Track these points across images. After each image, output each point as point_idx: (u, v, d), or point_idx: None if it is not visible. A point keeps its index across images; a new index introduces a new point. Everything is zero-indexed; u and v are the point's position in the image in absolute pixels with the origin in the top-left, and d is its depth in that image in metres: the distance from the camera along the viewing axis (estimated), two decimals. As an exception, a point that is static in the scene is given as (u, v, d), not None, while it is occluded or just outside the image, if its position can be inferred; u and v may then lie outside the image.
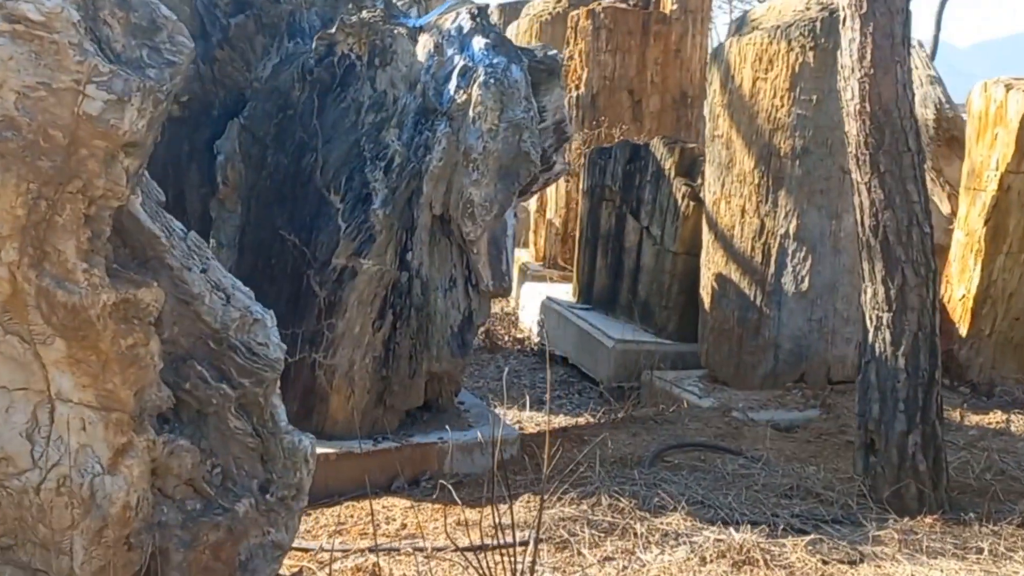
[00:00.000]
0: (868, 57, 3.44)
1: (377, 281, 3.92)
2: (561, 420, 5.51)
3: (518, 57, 4.07)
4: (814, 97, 4.78)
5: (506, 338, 7.33)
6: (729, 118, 5.06)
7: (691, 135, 7.85)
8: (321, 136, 3.94)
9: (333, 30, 3.95)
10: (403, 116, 3.98)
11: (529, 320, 7.43)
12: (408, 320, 4.01)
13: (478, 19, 4.07)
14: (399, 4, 6.23)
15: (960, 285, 5.54)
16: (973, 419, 4.61)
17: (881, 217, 3.56)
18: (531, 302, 7.38)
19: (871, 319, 3.67)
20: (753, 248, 5.04)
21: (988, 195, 5.32)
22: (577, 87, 8.08)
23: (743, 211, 5.06)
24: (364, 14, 4.13)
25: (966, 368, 5.40)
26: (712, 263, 5.30)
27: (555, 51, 4.75)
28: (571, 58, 8.20)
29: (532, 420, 5.50)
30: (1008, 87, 5.26)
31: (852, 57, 3.49)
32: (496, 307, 8.31)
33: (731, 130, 5.06)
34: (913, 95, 3.50)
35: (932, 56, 19.08)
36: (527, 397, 5.72)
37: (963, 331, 5.45)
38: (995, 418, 4.57)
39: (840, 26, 3.52)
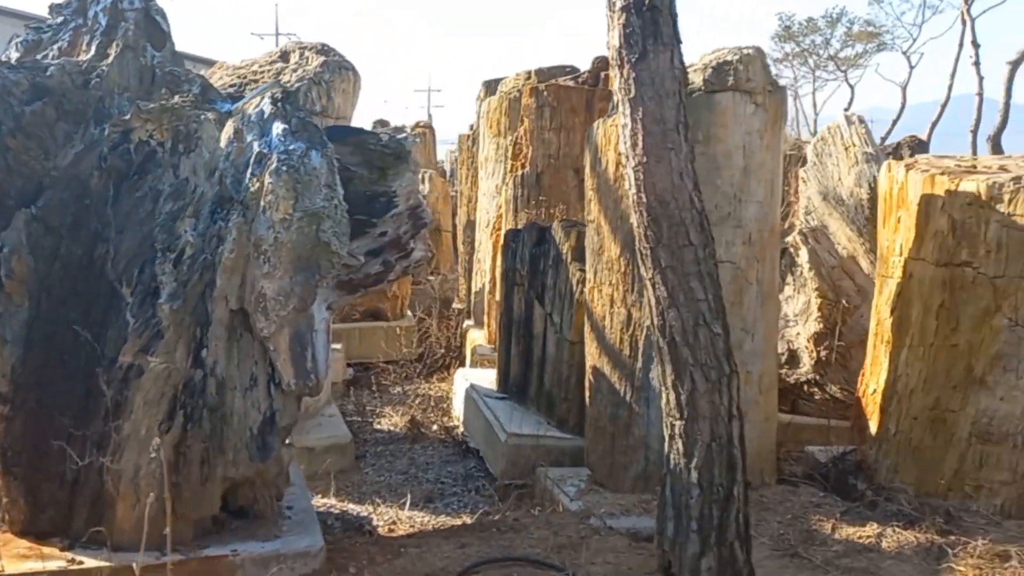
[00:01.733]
0: (640, 144, 3.18)
1: (164, 380, 3.72)
2: (440, 520, 5.21)
3: (321, 143, 3.89)
4: (675, 181, 4.48)
5: (434, 427, 7.06)
6: (598, 203, 4.80)
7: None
8: (114, 226, 3.80)
9: (128, 116, 3.84)
10: (200, 205, 3.82)
11: (460, 407, 7.16)
12: (200, 422, 3.79)
13: (280, 103, 3.92)
14: (314, 83, 6.17)
15: (872, 379, 5.12)
16: (848, 531, 4.17)
17: (666, 316, 3.25)
18: (462, 388, 7.12)
19: (667, 427, 3.34)
20: (622, 340, 4.72)
21: (894, 283, 4.92)
22: (523, 166, 7.90)
23: (612, 300, 4.76)
24: (176, 99, 4.02)
25: (875, 470, 4.95)
26: (590, 355, 5.00)
27: (404, 134, 4.59)
28: (519, 136, 8.04)
29: (411, 520, 5.21)
30: (908, 167, 4.90)
31: (626, 144, 3.23)
32: (432, 391, 8.07)
33: (600, 215, 4.79)
34: (695, 184, 3.20)
35: (1003, 123, 18.48)
36: (410, 496, 5.42)
37: (873, 429, 5.02)
38: (869, 531, 4.12)
39: (615, 110, 3.27)
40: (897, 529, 4.11)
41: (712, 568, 3.19)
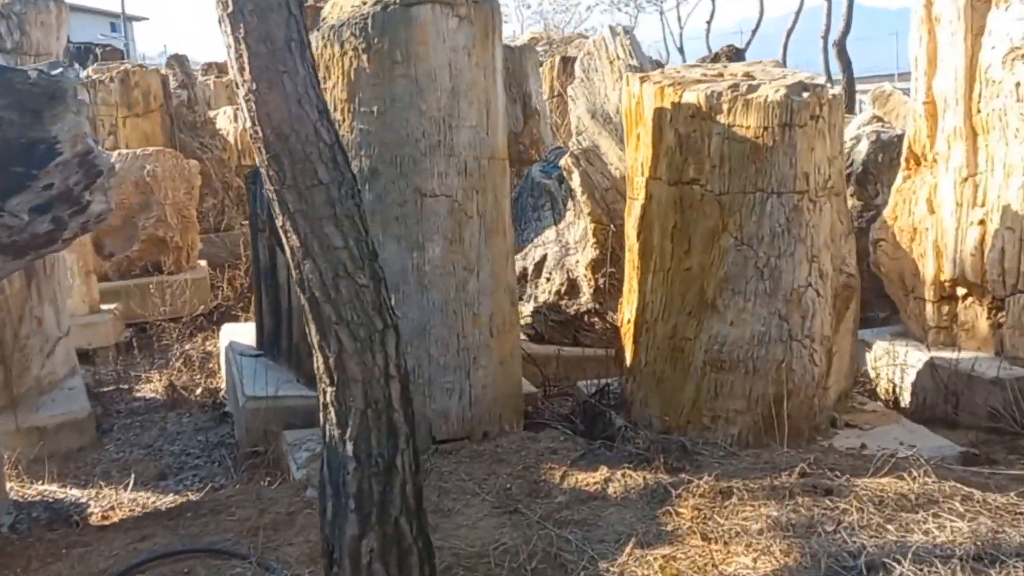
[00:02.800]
0: (247, 68, 2.67)
1: None
2: (167, 500, 4.71)
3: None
4: (375, 108, 4.02)
5: (199, 390, 6.50)
6: (302, 137, 4.28)
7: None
8: None
9: None
10: None
11: (224, 367, 6.62)
12: None
13: None
14: (1, 16, 5.39)
15: (627, 307, 4.83)
16: (577, 479, 3.87)
17: (303, 268, 2.80)
18: (224, 346, 6.57)
19: (320, 395, 2.91)
20: (338, 289, 4.26)
21: (638, 205, 4.60)
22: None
23: (325, 245, 4.29)
24: None
25: (631, 405, 4.69)
26: (314, 306, 4.53)
27: (62, 67, 3.96)
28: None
29: (133, 503, 4.68)
30: (643, 80, 4.54)
31: (234, 68, 2.72)
32: (196, 350, 7.49)
33: (305, 151, 4.28)
34: (321, 112, 2.73)
35: (847, 27, 18.51)
36: (134, 476, 4.89)
37: (628, 361, 4.74)
38: (598, 477, 3.84)
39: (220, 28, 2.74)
40: (627, 472, 3.83)
41: (374, 550, 2.81)
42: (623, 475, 3.81)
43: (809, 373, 4.07)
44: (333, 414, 2.84)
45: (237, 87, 2.72)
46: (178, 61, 13.68)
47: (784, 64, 22.76)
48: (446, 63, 4.01)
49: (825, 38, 20.85)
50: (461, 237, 4.12)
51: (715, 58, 14.00)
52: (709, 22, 36.87)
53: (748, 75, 4.62)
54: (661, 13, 39.96)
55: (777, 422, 3.99)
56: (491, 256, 4.22)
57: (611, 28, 6.28)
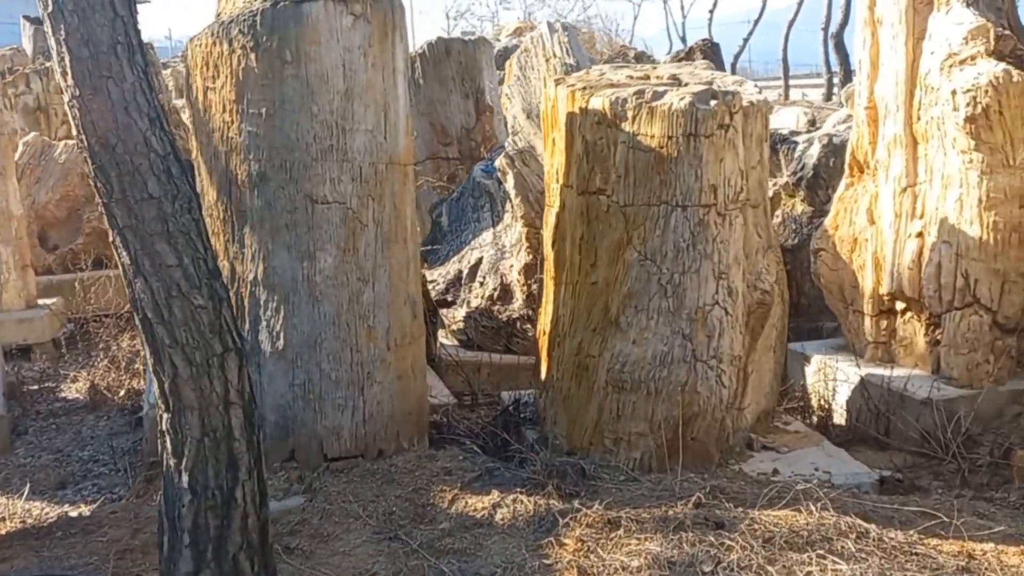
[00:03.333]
0: (70, 73, 2.49)
1: None
2: (59, 511, 4.53)
3: None
4: (264, 110, 3.82)
5: (122, 391, 6.30)
6: (194, 138, 4.10)
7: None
8: None
9: None
10: None
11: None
12: None
13: None
14: None
15: (544, 319, 4.66)
16: (466, 503, 3.69)
17: (135, 287, 2.62)
18: (152, 347, 6.37)
19: (159, 421, 2.74)
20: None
21: (554, 213, 4.43)
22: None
23: (216, 252, 4.10)
24: None
25: (543, 421, 4.51)
26: (211, 314, 4.34)
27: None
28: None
29: (26, 515, 4.49)
30: (558, 82, 4.36)
31: (59, 72, 2.54)
32: (125, 349, 7.28)
33: (198, 153, 4.10)
34: (153, 120, 2.54)
35: (845, 19, 18.20)
36: (29, 484, 4.70)
37: (543, 375, 4.57)
38: (487, 502, 3.66)
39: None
40: (520, 496, 3.65)
41: (209, 589, 2.64)
42: (514, 500, 3.63)
43: (716, 395, 3.89)
44: (169, 442, 2.67)
45: (64, 92, 2.53)
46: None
47: (785, 56, 22.25)
48: (339, 63, 3.82)
49: (825, 29, 20.54)
50: (355, 246, 3.93)
51: (689, 52, 13.78)
52: (712, 11, 36.24)
53: (674, 78, 4.44)
54: (664, 2, 39.37)
55: (682, 445, 3.81)
56: (389, 266, 4.03)
57: (549, 24, 6.09)
